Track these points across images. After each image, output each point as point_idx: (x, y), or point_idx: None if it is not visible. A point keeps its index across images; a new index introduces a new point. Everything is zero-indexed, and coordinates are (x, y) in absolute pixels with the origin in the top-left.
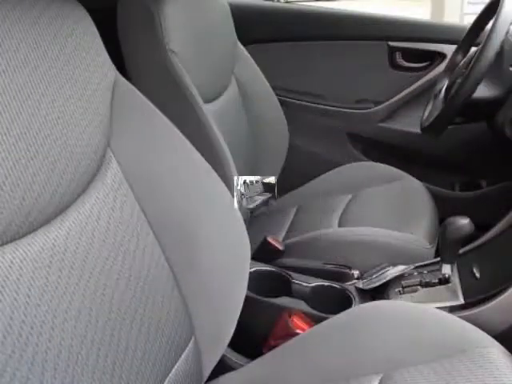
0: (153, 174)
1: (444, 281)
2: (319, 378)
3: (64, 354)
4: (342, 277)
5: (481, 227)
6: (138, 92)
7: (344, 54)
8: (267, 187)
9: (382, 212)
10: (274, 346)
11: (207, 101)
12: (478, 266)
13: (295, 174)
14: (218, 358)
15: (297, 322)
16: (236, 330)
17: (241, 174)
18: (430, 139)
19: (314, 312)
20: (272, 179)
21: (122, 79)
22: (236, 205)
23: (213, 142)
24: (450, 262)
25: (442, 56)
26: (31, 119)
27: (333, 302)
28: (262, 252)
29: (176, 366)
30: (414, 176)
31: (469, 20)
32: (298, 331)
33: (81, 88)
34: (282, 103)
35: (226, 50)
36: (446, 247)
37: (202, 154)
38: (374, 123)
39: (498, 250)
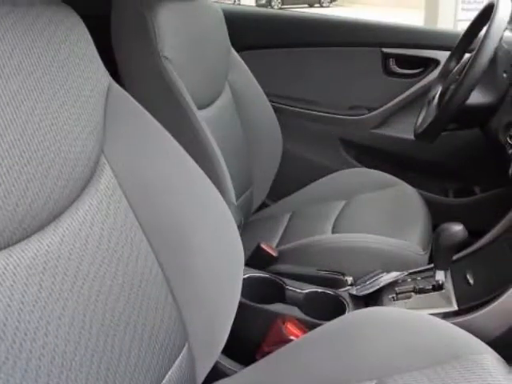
0: (146, 181)
1: (437, 287)
2: None
3: (58, 361)
4: (335, 283)
5: (474, 234)
6: (131, 98)
7: (338, 61)
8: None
9: (376, 218)
10: (268, 353)
11: (201, 107)
12: (471, 273)
13: (289, 180)
14: (211, 365)
15: (290, 328)
16: (230, 336)
17: (234, 180)
18: (423, 146)
19: (308, 318)
20: (266, 185)
21: (116, 86)
22: (229, 211)
23: (206, 148)
24: (444, 269)
25: (436, 62)
26: (25, 126)
27: (326, 308)
28: (256, 258)
29: (170, 373)
30: (407, 182)
31: (462, 26)
32: (291, 337)
33: (74, 94)
34: (276, 109)
35: (220, 57)
36: (439, 253)
37: (196, 161)
38: (368, 129)
39: (491, 256)
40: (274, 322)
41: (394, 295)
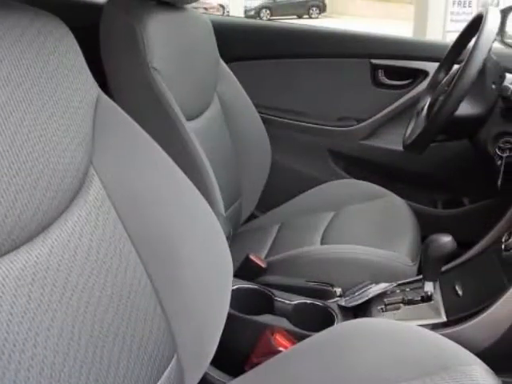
0: (135, 192)
1: (426, 298)
2: None
3: (47, 372)
4: (324, 294)
5: (463, 245)
6: (120, 110)
7: (326, 72)
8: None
9: (365, 229)
10: (257, 364)
11: (190, 118)
12: (460, 284)
13: (278, 192)
14: (200, 376)
15: (279, 339)
16: (218, 347)
17: (223, 191)
18: (412, 157)
19: (297, 330)
20: (254, 196)
21: (105, 97)
22: (218, 222)
23: (195, 159)
24: (433, 280)
25: (425, 74)
26: (14, 137)
27: (315, 319)
28: (245, 269)
29: None
30: (396, 193)
31: (451, 38)
32: (280, 349)
33: (63, 106)
34: (265, 120)
35: (209, 68)
36: (428, 265)
37: (185, 172)
38: (357, 141)
39: (480, 267)
40: (263, 334)
41: (383, 306)
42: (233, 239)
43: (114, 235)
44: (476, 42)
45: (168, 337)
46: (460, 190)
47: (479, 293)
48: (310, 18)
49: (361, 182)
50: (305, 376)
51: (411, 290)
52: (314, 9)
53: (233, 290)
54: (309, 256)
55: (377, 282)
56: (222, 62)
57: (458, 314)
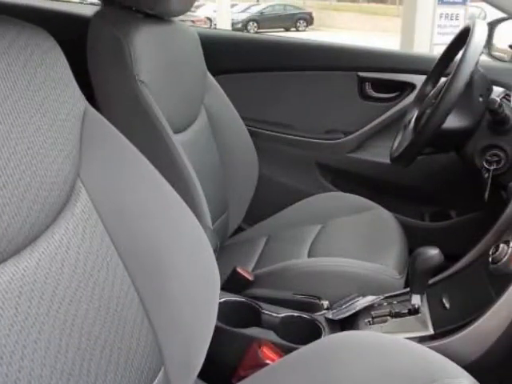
0: (122, 205)
1: (413, 311)
2: None
3: None
4: (311, 307)
5: (450, 258)
6: (107, 122)
7: (313, 85)
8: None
9: (352, 242)
10: (244, 377)
11: (177, 131)
12: (447, 297)
13: (265, 204)
14: None
15: (266, 352)
16: (206, 360)
17: (210, 204)
18: (399, 169)
19: (284, 342)
20: (242, 209)
21: (92, 109)
22: (205, 235)
23: (182, 172)
24: (420, 293)
25: (412, 86)
26: (0, 149)
27: (302, 332)
28: (232, 282)
29: None
30: (383, 206)
31: (438, 50)
32: (267, 362)
33: (50, 118)
34: (252, 133)
35: (196, 81)
36: (415, 277)
37: (172, 185)
38: (344, 153)
39: (467, 280)
40: (250, 346)
41: (370, 319)
42: (220, 252)
43: (101, 248)
44: (463, 55)
45: (155, 349)
46: (447, 203)
47: (466, 306)
48: (298, 30)
49: (348, 194)
50: None
51: (398, 302)
52: (301, 22)
53: (220, 303)
54: (296, 269)
55: (364, 295)
56: (209, 74)
57: (445, 326)
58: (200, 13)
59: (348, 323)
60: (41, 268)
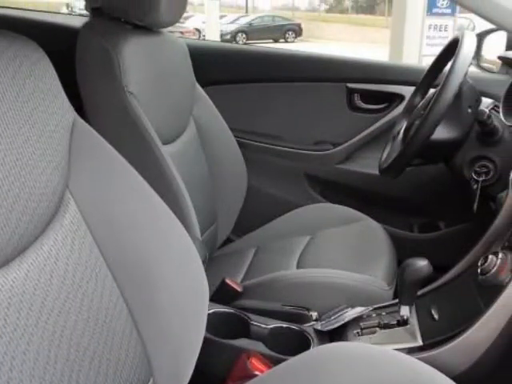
0: (111, 216)
1: (402, 322)
2: None
3: None
4: (300, 318)
5: (439, 269)
6: (96, 134)
7: (302, 96)
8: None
9: (341, 253)
10: None
11: (166, 142)
12: (436, 308)
13: (254, 216)
14: None
15: (255, 363)
16: (194, 371)
17: (199, 215)
18: (388, 181)
19: (273, 354)
20: (230, 220)
21: (81, 121)
22: (194, 246)
23: (171, 183)
24: (409, 304)
25: (401, 98)
26: None
27: (291, 343)
28: (221, 293)
29: None
30: (372, 217)
31: (427, 62)
32: (256, 373)
33: (39, 129)
34: (241, 144)
35: (185, 92)
36: (404, 289)
37: (161, 196)
38: (333, 165)
39: (456, 291)
40: (239, 358)
41: (359, 330)
42: (209, 263)
43: (89, 259)
44: (452, 66)
45: (144, 360)
46: (436, 214)
47: (455, 317)
48: (286, 41)
49: (337, 205)
50: None
51: (387, 313)
52: (290, 33)
53: (209, 314)
54: (285, 280)
55: (353, 306)
56: (198, 85)
57: (434, 337)
58: (189, 24)
59: (337, 334)
60: (30, 279)
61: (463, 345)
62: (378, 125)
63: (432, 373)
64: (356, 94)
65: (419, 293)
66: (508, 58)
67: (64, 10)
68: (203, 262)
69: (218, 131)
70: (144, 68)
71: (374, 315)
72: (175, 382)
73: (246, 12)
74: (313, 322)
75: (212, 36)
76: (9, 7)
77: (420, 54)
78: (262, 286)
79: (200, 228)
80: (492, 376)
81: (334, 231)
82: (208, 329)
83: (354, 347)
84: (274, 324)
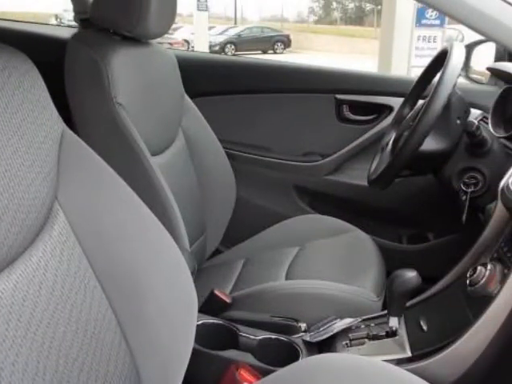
0: (100, 227)
1: (391, 333)
2: None
3: None
4: (289, 329)
5: (428, 280)
6: (85, 145)
7: (291, 107)
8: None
9: (329, 265)
10: None
11: (154, 153)
12: (425, 319)
13: (242, 227)
14: None
15: (244, 374)
16: (183, 382)
17: (188, 226)
18: (377, 192)
19: (261, 365)
20: (219, 232)
21: (70, 132)
22: (183, 257)
23: (160, 194)
24: (397, 315)
25: (390, 109)
26: None
27: (280, 354)
28: (210, 305)
29: None
30: (361, 229)
31: (416, 73)
32: None
33: (28, 141)
34: (230, 156)
35: (174, 103)
36: (393, 300)
37: (150, 207)
38: (322, 176)
39: (444, 302)
40: (228, 369)
41: (348, 341)
42: (197, 274)
43: (78, 270)
44: (441, 77)
45: (133, 371)
46: (425, 226)
47: (444, 328)
48: (275, 53)
49: (326, 217)
50: None
51: (376, 325)
52: (279, 44)
53: (198, 325)
54: (274, 291)
55: (341, 318)
56: (186, 97)
57: (422, 349)
58: (178, 35)
59: (326, 346)
60: (18, 290)
61: (452, 356)
62: (366, 136)
63: None
64: (345, 106)
65: (408, 304)
66: (497, 69)
67: (53, 21)
68: (192, 274)
69: (207, 142)
70: (133, 79)
71: (362, 326)
72: None
73: (235, 23)
74: (301, 334)
75: (201, 47)
76: None
77: (409, 65)
78: (251, 298)
79: (189, 239)
80: None
81: (322, 242)
82: (197, 340)
83: (342, 358)
84: (263, 335)
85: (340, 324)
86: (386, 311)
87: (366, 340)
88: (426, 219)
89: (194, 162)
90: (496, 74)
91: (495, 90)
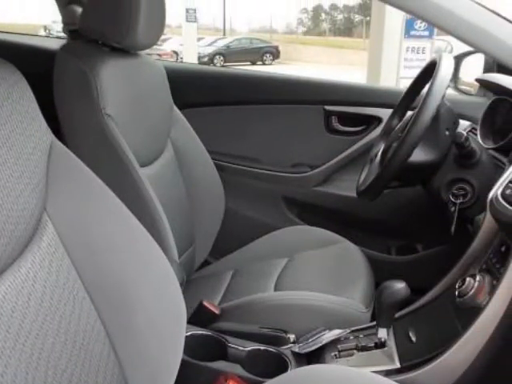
0: (89, 238)
1: (380, 345)
2: None
3: None
4: (278, 341)
5: (417, 291)
6: (73, 156)
7: (280, 118)
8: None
9: (318, 276)
10: None
11: (143, 164)
12: (413, 330)
13: (231, 238)
14: None
15: None
16: None
17: (177, 237)
18: (366, 203)
19: (250, 376)
20: (208, 243)
21: (58, 143)
22: (172, 269)
23: (149, 205)
24: (386, 326)
25: (378, 120)
26: None
27: (269, 366)
28: (198, 316)
29: None
30: (350, 240)
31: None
32: None
33: (17, 152)
34: (218, 167)
35: (162, 114)
36: (381, 311)
37: (138, 218)
38: (310, 187)
39: (433, 314)
40: (217, 380)
41: (337, 353)
42: (186, 285)
43: (67, 281)
44: (430, 89)
45: (121, 382)
46: (414, 237)
47: (433, 339)
48: (264, 64)
49: (314, 228)
50: None
51: (365, 336)
52: (268, 55)
53: (186, 337)
54: (262, 302)
55: (330, 329)
56: (175, 108)
57: (411, 360)
58: (166, 46)
59: (314, 357)
60: (7, 301)
61: (441, 367)
62: (355, 147)
63: None
64: (334, 117)
65: (397, 315)
66: (485, 81)
67: (42, 32)
68: (181, 285)
69: (196, 154)
70: (121, 90)
71: (351, 337)
72: None
73: (224, 34)
74: (290, 345)
75: (189, 58)
76: None
77: (398, 77)
78: (240, 309)
79: (178, 250)
80: None
81: (311, 253)
82: (186, 351)
83: (331, 370)
84: (252, 346)
85: (329, 335)
86: (374, 322)
87: (355, 351)
88: (415, 230)
89: (182, 173)
90: (485, 85)
91: (484, 102)
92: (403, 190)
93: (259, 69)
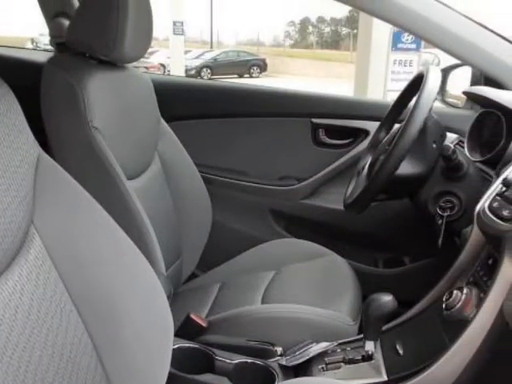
0: (76, 251)
1: (367, 357)
2: None
3: None
4: (265, 353)
5: (404, 304)
6: (61, 169)
7: (267, 131)
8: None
9: (305, 289)
10: None
11: (130, 177)
12: (401, 343)
13: (218, 251)
14: None
15: None
16: None
17: (164, 250)
18: (353, 216)
19: None
20: (195, 256)
21: (46, 156)
22: (159, 281)
23: (136, 218)
24: (373, 339)
25: (365, 133)
26: None
27: (256, 378)
28: (186, 329)
29: None
30: (337, 253)
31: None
32: None
33: (4, 165)
34: (206, 180)
35: (150, 127)
36: (369, 324)
37: (126, 231)
38: (298, 200)
39: (420, 326)
40: None
41: (324, 365)
42: (173, 298)
43: (54, 294)
44: (417, 101)
45: None
46: (401, 250)
47: (420, 352)
48: (251, 77)
49: (302, 241)
50: None
51: (352, 349)
52: (255, 68)
53: (174, 350)
54: (250, 315)
55: (318, 341)
56: (162, 121)
57: (398, 373)
58: (154, 59)
59: (302, 370)
60: None
61: (428, 380)
62: (342, 160)
63: None
64: (321, 129)
65: (384, 328)
66: (473, 93)
67: (29, 45)
68: (168, 298)
69: (183, 166)
70: (109, 103)
71: (338, 350)
72: None
73: (211, 47)
74: (278, 358)
75: (177, 71)
76: None
77: (385, 89)
78: (227, 322)
79: (165, 263)
80: None
81: (298, 266)
82: (173, 364)
83: (318, 382)
84: (239, 359)
85: (316, 348)
86: (362, 335)
87: (342, 364)
88: (402, 243)
89: (169, 185)
90: (472, 97)
91: (471, 114)
92: (390, 203)
93: (246, 81)
